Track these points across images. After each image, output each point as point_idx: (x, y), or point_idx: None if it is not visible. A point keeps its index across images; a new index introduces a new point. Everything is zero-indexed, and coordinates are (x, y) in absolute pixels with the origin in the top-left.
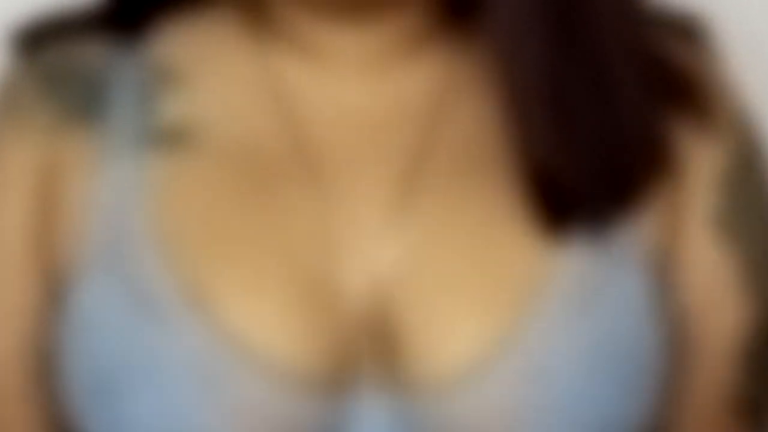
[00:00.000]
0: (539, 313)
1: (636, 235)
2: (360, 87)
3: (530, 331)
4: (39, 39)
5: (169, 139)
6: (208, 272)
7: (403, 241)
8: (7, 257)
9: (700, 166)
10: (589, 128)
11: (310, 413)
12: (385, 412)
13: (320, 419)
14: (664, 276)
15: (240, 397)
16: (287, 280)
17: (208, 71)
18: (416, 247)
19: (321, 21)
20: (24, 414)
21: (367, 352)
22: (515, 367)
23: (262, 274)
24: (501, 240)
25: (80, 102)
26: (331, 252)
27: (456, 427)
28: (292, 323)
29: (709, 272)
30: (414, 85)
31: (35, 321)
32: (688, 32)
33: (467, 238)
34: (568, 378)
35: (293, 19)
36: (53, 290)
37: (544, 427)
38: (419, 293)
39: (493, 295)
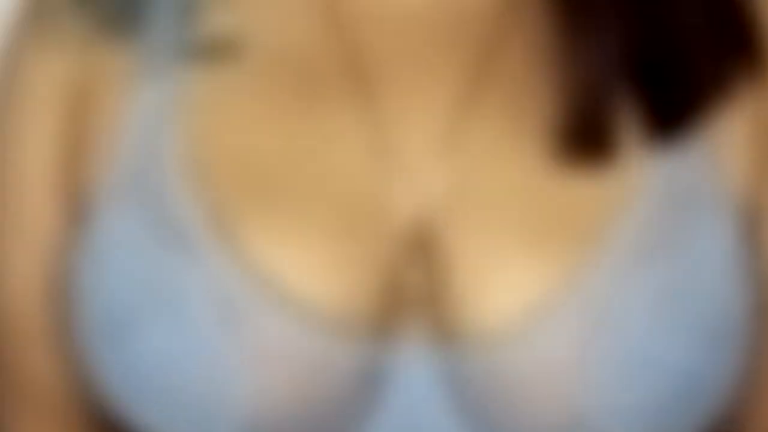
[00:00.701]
0: (601, 259)
1: (719, 176)
2: None
3: (591, 278)
4: None
5: (209, 53)
6: (239, 201)
7: (455, 170)
8: (34, 182)
9: None
10: (653, 36)
11: (344, 358)
12: (429, 360)
13: (355, 366)
14: (753, 230)
15: (265, 336)
16: (327, 210)
17: None
18: (468, 179)
19: None
20: (45, 364)
21: (411, 293)
22: (574, 316)
23: (299, 203)
24: (559, 178)
25: (115, 12)
26: (377, 179)
27: (507, 382)
28: (329, 259)
29: None
30: None
31: (57, 251)
32: None
33: (522, 175)
34: (633, 330)
35: None
36: (75, 218)
37: (604, 383)
38: (470, 229)
39: (550, 237)
